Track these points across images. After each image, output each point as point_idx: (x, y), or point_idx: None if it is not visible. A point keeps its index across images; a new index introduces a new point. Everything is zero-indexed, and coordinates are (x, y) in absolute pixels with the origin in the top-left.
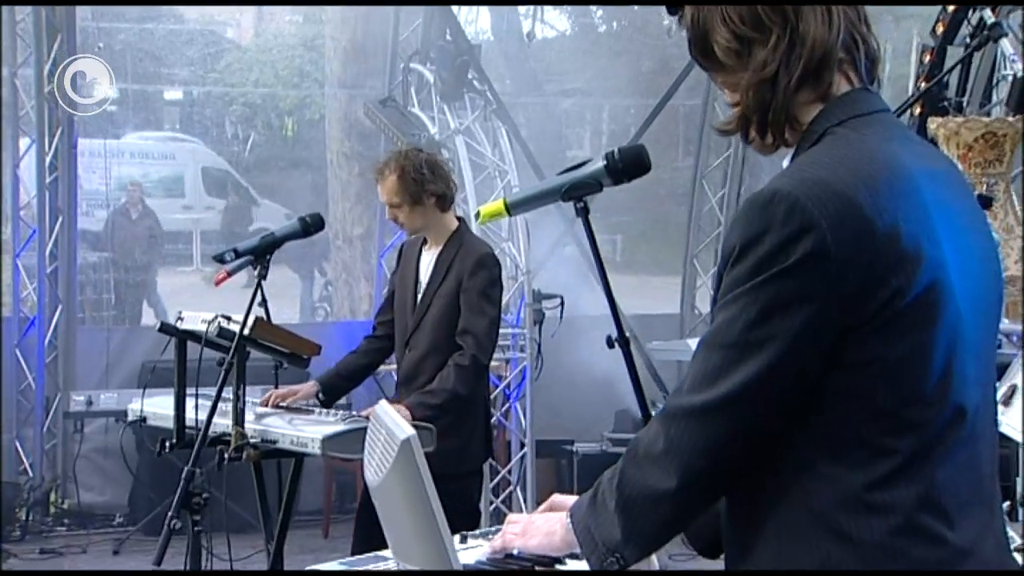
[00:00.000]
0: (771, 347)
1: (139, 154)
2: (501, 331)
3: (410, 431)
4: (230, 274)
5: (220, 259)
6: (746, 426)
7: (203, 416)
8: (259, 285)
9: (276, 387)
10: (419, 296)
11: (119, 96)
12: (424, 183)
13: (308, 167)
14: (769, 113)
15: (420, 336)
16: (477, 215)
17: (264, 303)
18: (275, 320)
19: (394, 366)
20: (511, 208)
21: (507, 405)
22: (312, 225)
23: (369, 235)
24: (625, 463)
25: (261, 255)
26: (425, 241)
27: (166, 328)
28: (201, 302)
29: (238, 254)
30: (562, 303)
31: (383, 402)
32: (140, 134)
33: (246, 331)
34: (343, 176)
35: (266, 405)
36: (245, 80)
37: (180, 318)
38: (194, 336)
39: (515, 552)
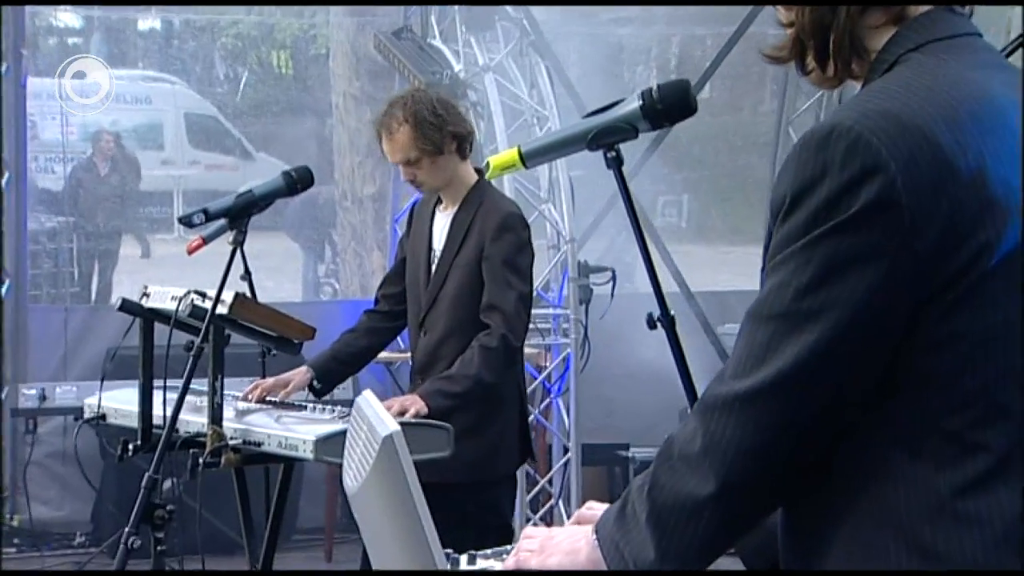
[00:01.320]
0: (828, 318)
1: (108, 97)
2: (540, 312)
3: (394, 426)
4: (206, 241)
5: (187, 222)
6: (800, 417)
7: (182, 414)
8: (235, 253)
9: (263, 377)
10: (433, 267)
11: (83, 25)
12: (444, 125)
13: (311, 113)
14: (829, 36)
15: (436, 316)
16: (485, 168)
17: (248, 275)
18: (274, 299)
19: (408, 354)
20: (526, 158)
21: (547, 401)
22: (299, 180)
23: (382, 195)
24: (657, 466)
25: (236, 217)
26: (440, 200)
27: (128, 306)
28: (183, 276)
29: (209, 216)
30: (614, 277)
31: (366, 393)
32: (109, 71)
33: (223, 310)
34: (351, 123)
35: (249, 399)
36: (236, 7)
37: (145, 294)
38: (162, 316)
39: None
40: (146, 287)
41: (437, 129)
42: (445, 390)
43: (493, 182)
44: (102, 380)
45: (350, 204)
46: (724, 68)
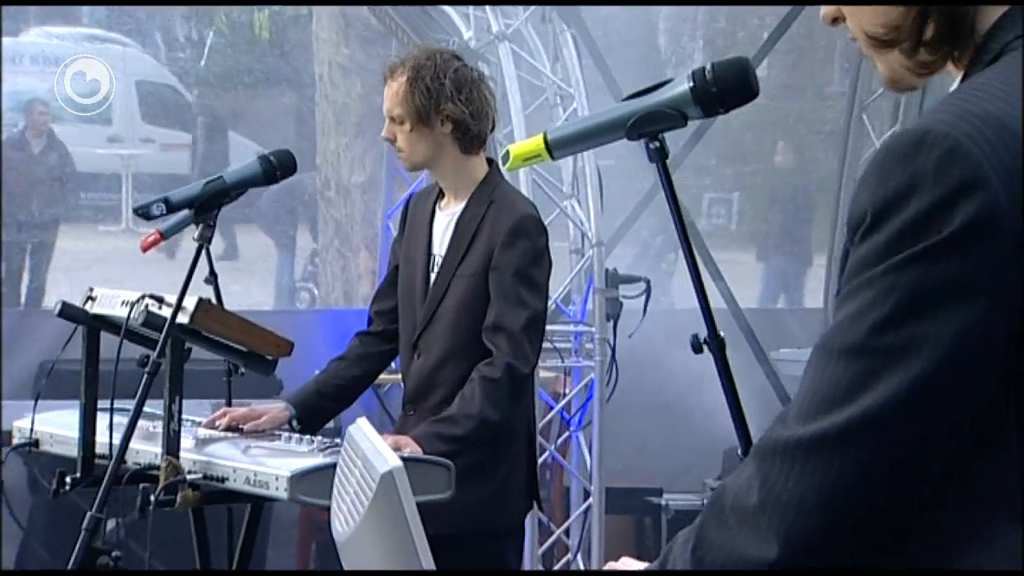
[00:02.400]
0: (913, 358)
1: (45, 59)
2: (560, 328)
3: (395, 461)
4: (164, 236)
5: (145, 213)
6: (877, 470)
7: (121, 440)
8: (200, 251)
9: (229, 403)
10: (432, 276)
11: None
12: (438, 99)
13: (290, 85)
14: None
15: (433, 335)
16: (505, 157)
17: (214, 279)
18: (241, 307)
19: (400, 375)
20: (554, 147)
21: (565, 435)
22: (278, 166)
23: (373, 185)
24: (705, 521)
25: (203, 208)
26: (441, 194)
27: (69, 312)
28: (133, 275)
29: (171, 206)
30: (648, 289)
31: (361, 422)
32: (46, 29)
33: (183, 319)
34: (337, 98)
35: (213, 427)
36: None
37: (90, 297)
38: (110, 324)
39: None
40: (91, 289)
41: (429, 97)
42: (444, 433)
43: (508, 175)
44: (36, 399)
45: (334, 194)
46: (784, 41)
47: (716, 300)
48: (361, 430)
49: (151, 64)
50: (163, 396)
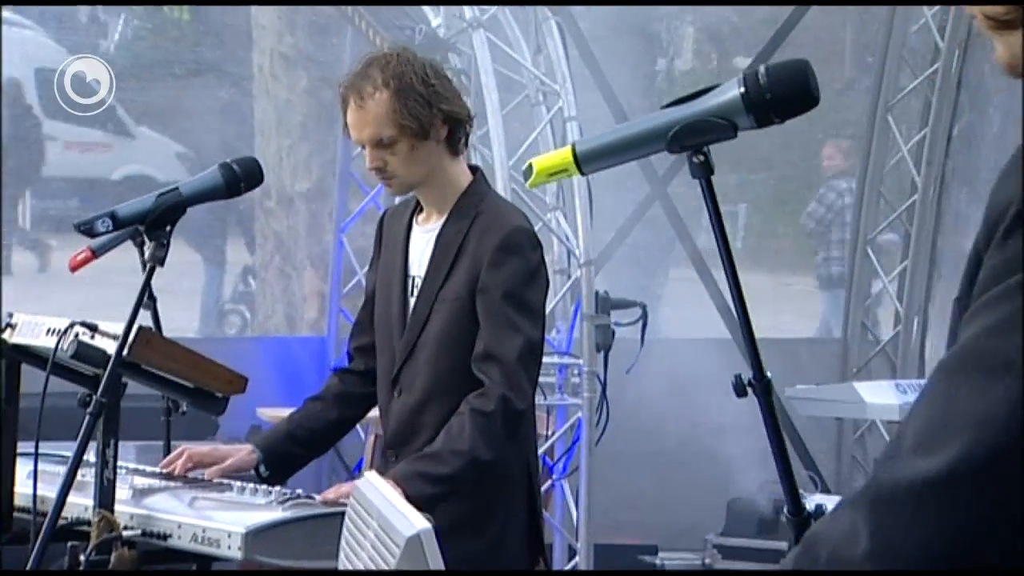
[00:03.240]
0: None
1: None
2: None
3: (421, 523)
4: (96, 254)
5: (89, 230)
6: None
7: (46, 491)
8: (152, 273)
9: (168, 446)
10: (411, 302)
11: None
12: (435, 101)
13: (221, 77)
14: None
15: (415, 369)
16: (527, 172)
17: (152, 303)
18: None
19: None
20: (584, 160)
21: (548, 484)
22: (242, 177)
23: (320, 193)
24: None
25: (156, 224)
26: (419, 208)
27: None
28: (46, 297)
29: (118, 221)
30: (644, 316)
31: (370, 475)
32: None
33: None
34: (280, 93)
35: (169, 471)
36: None
37: (10, 324)
38: (33, 356)
39: None
40: (10, 315)
41: (426, 104)
42: (428, 472)
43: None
44: None
45: (275, 204)
46: (800, 32)
47: (717, 327)
48: (372, 485)
49: (52, 49)
50: (96, 439)
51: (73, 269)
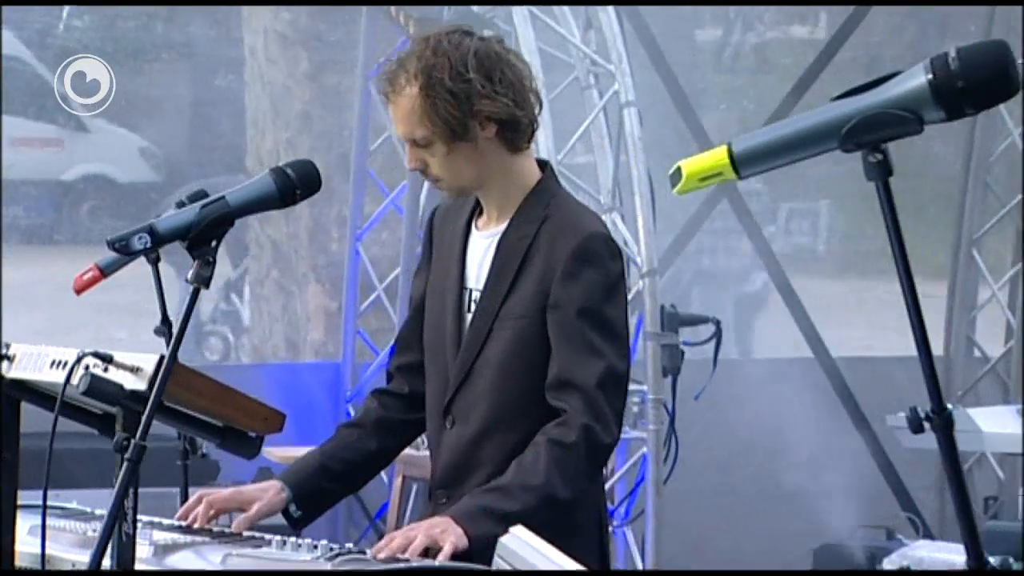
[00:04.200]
0: None
1: None
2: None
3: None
4: (104, 273)
5: (123, 247)
6: None
7: (56, 550)
8: (197, 294)
9: (185, 494)
10: (467, 318)
11: None
12: (470, 98)
13: (200, 60)
14: None
15: (471, 396)
16: (675, 176)
17: (166, 329)
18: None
19: (424, 451)
20: (742, 161)
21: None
22: (298, 183)
23: (326, 195)
24: None
25: (201, 239)
26: (479, 209)
27: None
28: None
29: (158, 237)
30: (718, 333)
31: (517, 530)
32: None
33: (140, 385)
34: (277, 78)
35: (186, 521)
36: None
37: (7, 356)
38: (37, 393)
39: None
40: (7, 345)
41: (458, 103)
42: (495, 508)
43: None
44: None
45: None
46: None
47: (798, 344)
48: (521, 539)
49: None
50: (113, 488)
51: (79, 291)
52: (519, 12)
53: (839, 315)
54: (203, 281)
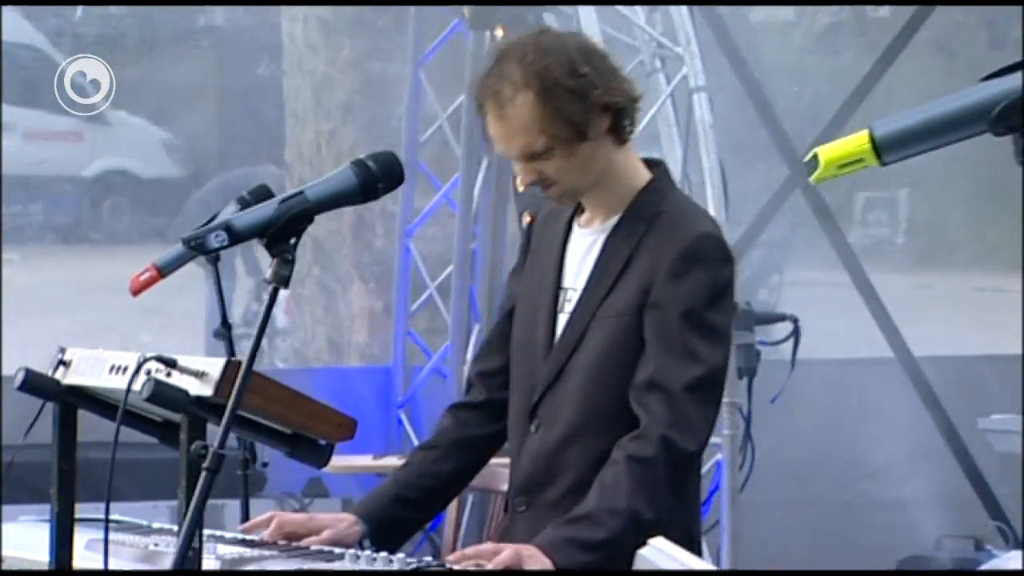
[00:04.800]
0: None
1: None
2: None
3: None
4: (162, 273)
5: (199, 245)
6: None
7: (118, 565)
8: (275, 296)
9: (246, 508)
10: (561, 319)
11: None
12: (590, 92)
13: (231, 47)
14: None
15: (560, 398)
16: (812, 163)
17: (226, 331)
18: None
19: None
20: (885, 146)
21: None
22: (380, 176)
23: None
24: None
25: (280, 236)
26: (580, 209)
27: (36, 382)
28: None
29: (235, 234)
30: (796, 332)
31: (656, 542)
32: None
33: (206, 390)
34: (317, 67)
35: (259, 535)
36: None
37: (63, 361)
38: (95, 400)
39: None
40: (63, 349)
41: (580, 98)
42: (581, 539)
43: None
44: None
45: None
46: None
47: (878, 345)
48: (662, 550)
49: (10, 19)
50: (178, 499)
51: (136, 292)
52: None
53: (921, 311)
54: (282, 280)
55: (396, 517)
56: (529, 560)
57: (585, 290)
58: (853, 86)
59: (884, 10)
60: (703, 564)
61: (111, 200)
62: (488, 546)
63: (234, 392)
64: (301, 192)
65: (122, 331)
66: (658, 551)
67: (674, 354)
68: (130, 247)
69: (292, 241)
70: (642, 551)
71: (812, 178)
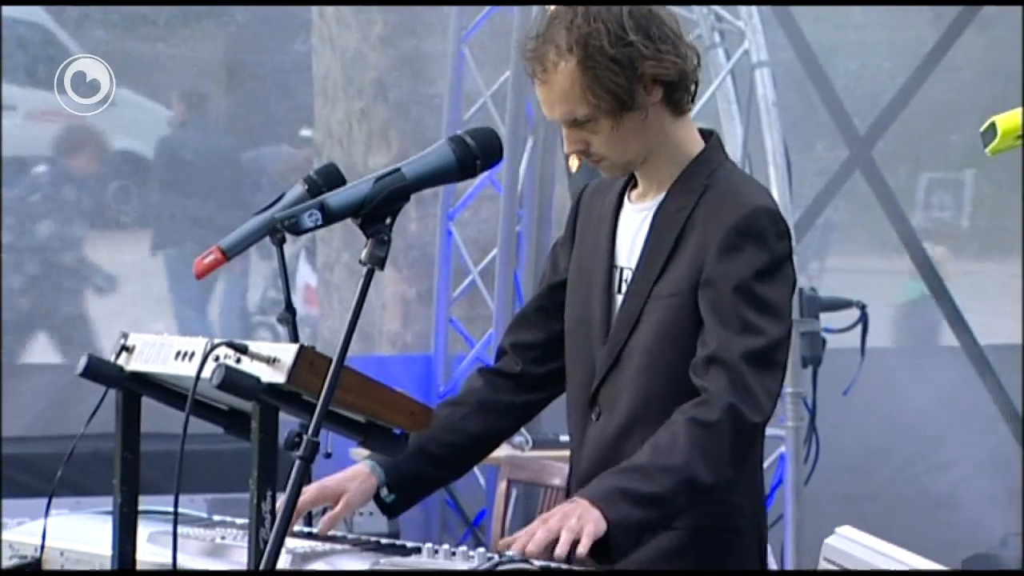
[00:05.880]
0: None
1: None
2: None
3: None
4: (227, 256)
5: (294, 225)
6: None
7: (184, 559)
8: (371, 277)
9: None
10: (617, 299)
11: None
12: (635, 60)
13: (252, 23)
14: None
15: (619, 383)
16: (989, 132)
17: (291, 316)
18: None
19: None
20: None
21: None
22: (479, 153)
23: None
24: None
25: (374, 215)
26: (633, 182)
27: (97, 369)
28: None
29: (329, 214)
30: (863, 319)
31: (844, 530)
32: None
33: (278, 376)
34: (348, 43)
35: (312, 534)
36: None
37: (126, 347)
38: (161, 388)
39: None
40: (125, 335)
41: (622, 69)
42: (633, 490)
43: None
44: (49, 499)
45: None
46: None
47: (942, 332)
48: (848, 539)
49: None
50: (250, 490)
51: (200, 275)
52: None
53: (988, 298)
54: (378, 262)
55: (415, 470)
56: (582, 521)
57: (637, 270)
58: (916, 63)
59: None
60: (901, 552)
61: (117, 183)
62: (541, 531)
63: (327, 382)
64: (397, 170)
65: (134, 319)
66: (846, 539)
67: (730, 328)
68: (143, 228)
69: (388, 221)
70: (829, 540)
71: (988, 149)
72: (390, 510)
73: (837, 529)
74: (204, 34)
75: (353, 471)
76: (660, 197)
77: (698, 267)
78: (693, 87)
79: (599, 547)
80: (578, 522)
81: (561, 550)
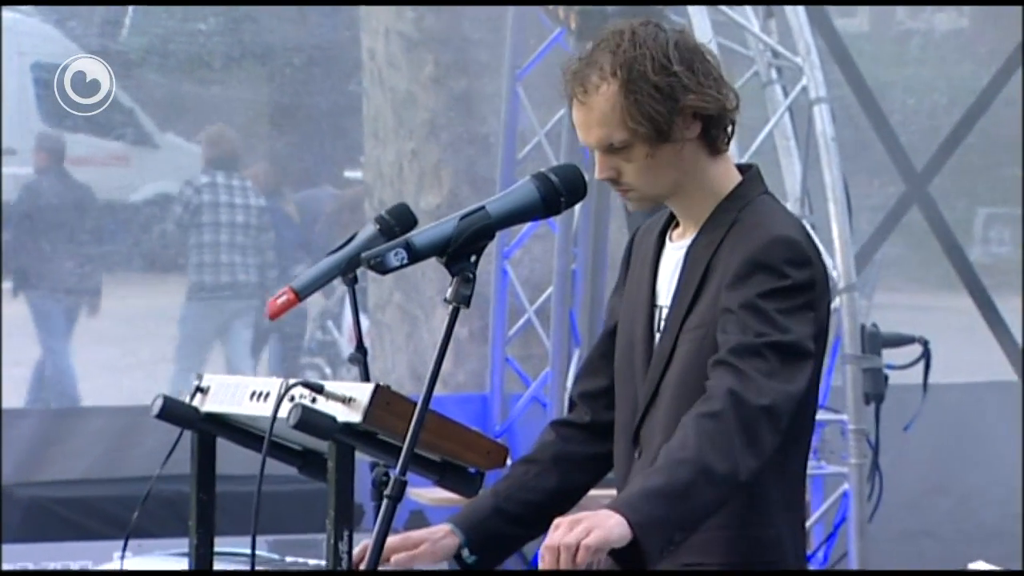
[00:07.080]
0: None
1: None
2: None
3: None
4: (300, 296)
5: (379, 264)
6: None
7: None
8: (456, 316)
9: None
10: (657, 337)
11: None
12: (677, 90)
13: (281, 52)
14: None
15: (655, 419)
16: None
17: (362, 356)
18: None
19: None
20: None
21: None
22: (563, 190)
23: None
24: None
25: (460, 254)
26: (673, 222)
27: (173, 411)
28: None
29: (415, 252)
30: (926, 355)
31: (976, 564)
32: None
33: (355, 416)
34: (399, 84)
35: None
36: None
37: (200, 388)
38: (235, 429)
39: None
40: (200, 376)
41: (664, 98)
42: (651, 489)
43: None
44: (126, 541)
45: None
46: None
47: (1002, 368)
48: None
49: (54, 38)
50: (327, 530)
51: (273, 316)
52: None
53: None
54: (464, 300)
55: (495, 530)
56: (588, 517)
57: (671, 307)
58: (973, 98)
59: (1008, 14)
60: None
61: (159, 227)
62: (564, 553)
63: (413, 421)
64: (482, 208)
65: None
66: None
67: (730, 333)
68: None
69: (472, 259)
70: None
71: None
72: (472, 571)
73: (971, 565)
74: (255, 76)
75: (437, 528)
76: (695, 234)
77: (719, 298)
78: (731, 128)
79: (630, 551)
80: (602, 528)
81: (566, 566)
